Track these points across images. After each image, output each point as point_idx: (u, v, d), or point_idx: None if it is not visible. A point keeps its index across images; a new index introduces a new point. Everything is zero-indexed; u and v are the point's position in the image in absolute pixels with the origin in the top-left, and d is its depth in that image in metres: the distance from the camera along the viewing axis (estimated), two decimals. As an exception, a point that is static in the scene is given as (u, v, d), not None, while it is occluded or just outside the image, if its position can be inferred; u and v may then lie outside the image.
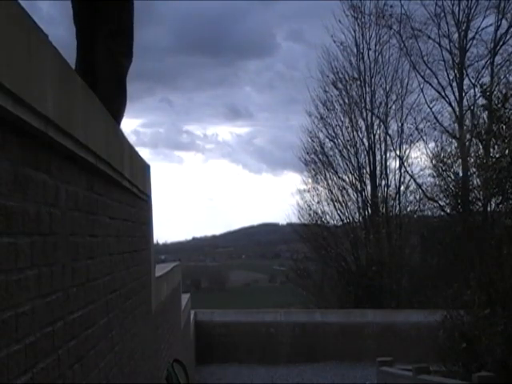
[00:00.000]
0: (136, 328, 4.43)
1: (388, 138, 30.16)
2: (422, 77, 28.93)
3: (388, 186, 30.00)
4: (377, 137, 30.24)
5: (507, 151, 17.14)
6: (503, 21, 27.00)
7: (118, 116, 4.44)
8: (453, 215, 25.05)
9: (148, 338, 5.13)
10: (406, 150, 29.99)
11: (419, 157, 30.75)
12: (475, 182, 24.30)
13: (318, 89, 30.74)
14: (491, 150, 21.81)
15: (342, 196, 30.10)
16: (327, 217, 30.46)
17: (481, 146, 23.45)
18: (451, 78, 28.18)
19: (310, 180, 30.92)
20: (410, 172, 29.53)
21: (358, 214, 30.17)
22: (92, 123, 2.89)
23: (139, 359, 4.54)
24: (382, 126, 30.27)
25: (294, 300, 31.31)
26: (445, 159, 25.12)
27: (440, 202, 26.44)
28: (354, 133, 30.15)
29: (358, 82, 30.15)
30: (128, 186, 4.14)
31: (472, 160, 23.91)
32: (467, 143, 24.51)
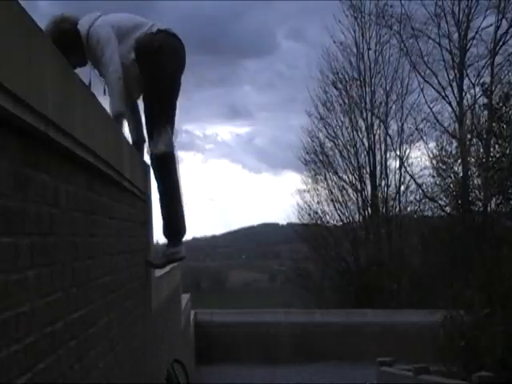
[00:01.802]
0: (136, 328, 4.42)
1: (388, 138, 30.13)
2: (422, 77, 28.92)
3: (388, 186, 29.98)
4: (377, 137, 30.20)
5: (508, 151, 17.13)
6: (503, 21, 26.92)
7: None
8: (453, 215, 25.04)
9: (148, 338, 5.13)
10: (406, 150, 29.96)
11: (419, 157, 30.84)
12: (475, 181, 24.31)
13: (317, 89, 30.66)
14: (491, 149, 21.82)
15: (342, 196, 30.09)
16: (327, 217, 30.48)
17: (481, 146, 23.46)
18: (451, 77, 28.13)
19: (309, 180, 30.93)
20: (410, 172, 29.50)
21: (358, 214, 30.17)
22: (92, 123, 2.89)
23: (139, 359, 4.54)
24: (382, 126, 30.24)
25: (293, 300, 31.28)
26: (445, 159, 25.14)
27: (440, 202, 26.46)
28: (354, 133, 30.11)
29: (358, 82, 30.12)
30: (128, 186, 4.14)
31: (472, 160, 23.93)
32: (467, 143, 24.49)
